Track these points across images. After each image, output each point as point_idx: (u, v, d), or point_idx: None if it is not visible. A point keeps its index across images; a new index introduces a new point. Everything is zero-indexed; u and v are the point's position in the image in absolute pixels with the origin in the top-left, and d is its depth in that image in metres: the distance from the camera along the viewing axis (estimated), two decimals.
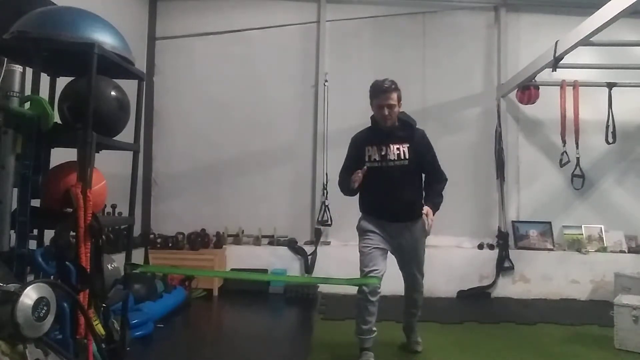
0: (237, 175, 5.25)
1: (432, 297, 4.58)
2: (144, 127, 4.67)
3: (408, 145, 2.88)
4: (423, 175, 3.01)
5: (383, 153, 2.87)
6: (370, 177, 2.84)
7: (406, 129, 2.95)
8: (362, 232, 2.97)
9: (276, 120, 5.29)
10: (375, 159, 2.88)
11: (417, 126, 3.01)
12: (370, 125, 3.02)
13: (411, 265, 3.01)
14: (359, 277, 2.87)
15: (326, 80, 5.20)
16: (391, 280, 3.01)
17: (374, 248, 2.87)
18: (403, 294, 3.15)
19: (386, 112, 2.83)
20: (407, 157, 2.86)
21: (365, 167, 2.84)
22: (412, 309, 3.12)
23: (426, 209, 2.80)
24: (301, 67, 5.35)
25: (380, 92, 2.85)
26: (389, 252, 2.93)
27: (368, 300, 2.76)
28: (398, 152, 2.86)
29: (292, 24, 5.33)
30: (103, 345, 2.02)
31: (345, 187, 2.96)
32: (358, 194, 3.00)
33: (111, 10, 3.17)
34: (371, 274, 2.79)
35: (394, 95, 2.85)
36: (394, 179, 2.87)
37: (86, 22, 2.18)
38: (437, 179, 2.99)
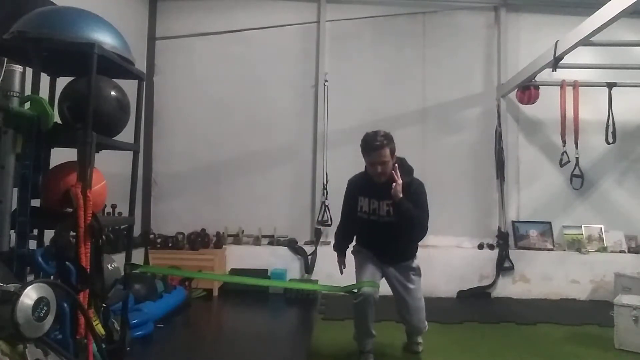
0: (237, 175, 5.26)
1: (432, 297, 4.57)
2: (144, 127, 4.68)
3: None
4: None
5: (374, 207, 2.88)
6: (362, 224, 2.94)
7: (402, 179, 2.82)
8: (357, 253, 3.07)
9: (276, 120, 5.29)
10: (365, 211, 2.91)
11: (414, 177, 2.91)
12: (365, 171, 2.94)
13: (409, 307, 2.95)
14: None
15: (326, 80, 5.20)
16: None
17: (370, 263, 2.94)
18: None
19: (379, 169, 2.75)
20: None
21: (342, 267, 3.11)
22: (416, 339, 3.13)
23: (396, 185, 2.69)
24: (301, 67, 5.34)
25: (372, 150, 2.73)
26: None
27: (365, 304, 2.73)
28: (387, 208, 2.83)
29: (292, 24, 5.33)
30: (103, 345, 2.02)
31: (337, 247, 3.20)
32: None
33: (111, 10, 3.18)
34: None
35: (386, 152, 2.72)
36: (384, 232, 2.89)
37: (86, 22, 2.18)
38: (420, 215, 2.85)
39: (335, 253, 3.22)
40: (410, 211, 2.74)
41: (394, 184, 2.69)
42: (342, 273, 3.11)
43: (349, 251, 3.17)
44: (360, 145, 2.82)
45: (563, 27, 4.03)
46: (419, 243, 3.06)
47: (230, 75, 5.29)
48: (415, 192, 2.82)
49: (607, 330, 3.41)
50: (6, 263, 1.80)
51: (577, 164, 4.75)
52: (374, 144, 2.72)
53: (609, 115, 4.78)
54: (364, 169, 2.95)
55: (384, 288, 2.93)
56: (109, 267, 2.29)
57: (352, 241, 3.19)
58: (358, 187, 2.95)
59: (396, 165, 2.75)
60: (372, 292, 2.73)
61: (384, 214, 2.85)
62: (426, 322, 3.07)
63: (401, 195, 2.70)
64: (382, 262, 2.99)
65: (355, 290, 2.78)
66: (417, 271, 3.02)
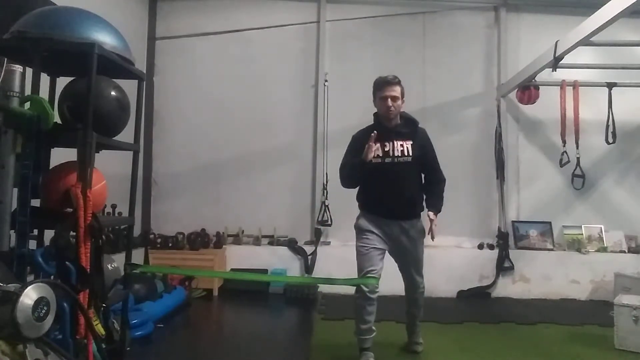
0: (237, 175, 5.25)
1: (432, 297, 4.57)
2: (144, 127, 4.67)
3: (412, 142, 2.89)
4: (423, 175, 3.01)
5: (387, 149, 2.86)
6: (371, 173, 2.84)
7: (409, 127, 2.95)
8: (359, 231, 2.95)
9: (276, 120, 5.29)
10: (378, 154, 2.85)
11: (419, 125, 3.02)
12: (372, 123, 3.00)
13: (410, 268, 3.00)
14: (356, 277, 2.87)
15: (326, 80, 5.20)
16: (391, 280, 3.01)
17: (372, 248, 2.86)
18: (404, 294, 3.14)
19: (390, 103, 2.83)
20: (410, 154, 2.86)
21: (374, 132, 2.77)
22: (413, 309, 3.11)
23: (431, 214, 2.85)
24: (301, 67, 5.34)
25: (385, 83, 2.86)
26: (387, 251, 2.93)
27: (366, 299, 2.76)
28: (402, 148, 2.86)
29: (292, 24, 5.33)
30: (103, 345, 2.02)
31: (348, 172, 2.91)
32: (357, 190, 3.00)
33: (111, 10, 3.18)
34: (369, 274, 2.78)
35: (398, 89, 2.86)
36: (396, 175, 2.86)
37: (86, 22, 2.18)
38: (437, 179, 3.01)
39: (350, 173, 2.92)
40: (441, 198, 2.97)
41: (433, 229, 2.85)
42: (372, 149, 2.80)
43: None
44: (373, 85, 2.94)
45: (563, 27, 4.02)
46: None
47: (230, 75, 5.29)
48: (424, 138, 2.99)
49: (607, 330, 3.41)
50: (6, 263, 1.80)
51: (578, 163, 4.75)
52: (387, 79, 2.87)
53: (609, 115, 4.79)
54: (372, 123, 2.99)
55: (385, 287, 2.92)
56: (109, 267, 2.29)
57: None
58: (368, 135, 2.84)
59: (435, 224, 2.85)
60: (374, 286, 2.74)
61: (398, 154, 2.85)
62: (424, 283, 3.10)
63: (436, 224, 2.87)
64: (390, 218, 2.88)
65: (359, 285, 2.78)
66: (423, 232, 2.97)
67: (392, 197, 2.87)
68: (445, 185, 3.01)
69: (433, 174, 3.00)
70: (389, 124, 2.90)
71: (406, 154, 2.86)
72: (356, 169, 2.85)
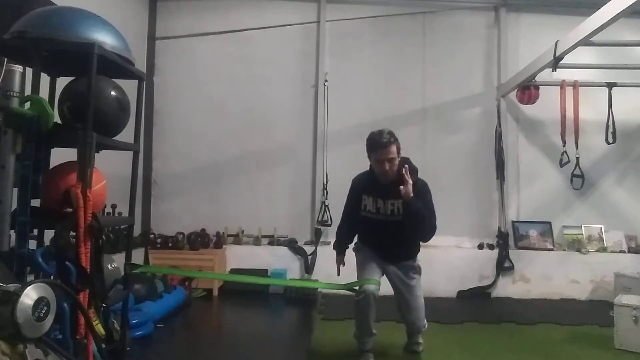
0: (237, 175, 5.26)
1: (432, 297, 4.57)
2: (144, 127, 4.68)
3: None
4: None
5: (378, 206, 2.88)
6: (366, 223, 2.94)
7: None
8: (359, 251, 3.06)
9: (276, 121, 5.29)
10: (370, 210, 2.91)
11: (418, 175, 2.91)
12: (370, 171, 2.96)
13: (409, 305, 2.96)
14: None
15: (326, 80, 5.20)
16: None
17: (371, 261, 2.94)
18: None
19: (386, 166, 2.75)
20: (400, 213, 2.82)
21: (341, 265, 3.10)
22: (416, 339, 3.12)
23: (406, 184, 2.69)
24: (301, 67, 5.34)
25: (379, 147, 2.74)
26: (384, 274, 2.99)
27: (366, 302, 2.75)
28: (392, 208, 2.84)
29: (292, 24, 5.33)
30: (103, 345, 2.02)
31: (337, 242, 3.19)
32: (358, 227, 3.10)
33: (111, 10, 3.17)
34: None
35: (393, 149, 2.74)
36: (386, 232, 2.90)
37: (86, 22, 2.18)
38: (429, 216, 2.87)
39: (335, 252, 3.21)
40: (421, 211, 2.75)
41: (402, 186, 2.68)
42: (339, 274, 3.10)
43: (349, 250, 3.17)
44: (367, 144, 2.82)
45: (563, 27, 4.02)
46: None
47: (230, 75, 5.29)
48: (421, 192, 2.81)
49: (607, 330, 3.41)
50: (6, 263, 1.80)
51: (577, 164, 4.74)
52: (382, 141, 2.73)
53: (609, 115, 4.78)
54: (368, 169, 2.96)
55: (385, 288, 2.93)
56: (109, 267, 2.29)
57: (352, 241, 3.20)
58: (363, 186, 2.95)
59: (406, 166, 2.72)
60: (373, 290, 2.74)
61: (388, 213, 2.85)
62: (425, 321, 3.08)
63: (412, 195, 2.69)
64: (384, 260, 2.98)
65: (357, 288, 2.79)
66: (418, 270, 3.02)
67: (385, 246, 2.95)
68: (433, 219, 2.86)
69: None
70: (384, 180, 2.83)
71: (396, 213, 2.83)
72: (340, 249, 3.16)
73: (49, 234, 2.19)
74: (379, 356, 2.90)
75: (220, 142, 5.26)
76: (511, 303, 4.67)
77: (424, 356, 3.07)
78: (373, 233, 2.97)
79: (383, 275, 2.99)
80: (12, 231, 1.94)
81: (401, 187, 2.68)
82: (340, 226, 3.23)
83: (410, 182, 2.69)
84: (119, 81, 2.36)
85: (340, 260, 3.15)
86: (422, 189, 2.83)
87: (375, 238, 2.98)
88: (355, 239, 3.18)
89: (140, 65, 4.51)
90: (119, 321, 2.40)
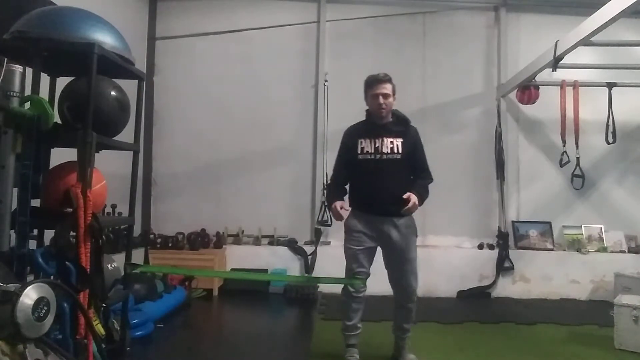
0: (237, 175, 5.25)
1: (432, 297, 4.58)
2: (144, 127, 4.67)
3: (402, 140, 2.88)
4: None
5: (376, 146, 2.86)
6: (361, 169, 2.87)
7: (401, 125, 2.95)
8: (349, 231, 2.92)
9: (276, 120, 5.29)
10: (368, 151, 2.87)
11: (411, 124, 3.00)
12: (364, 119, 3.01)
13: (402, 267, 2.88)
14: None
15: (326, 80, 5.20)
16: (386, 279, 2.97)
17: (360, 249, 2.85)
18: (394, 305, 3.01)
19: (381, 100, 2.83)
20: (400, 151, 2.85)
21: (349, 209, 2.90)
22: (402, 323, 2.95)
23: (409, 194, 2.73)
24: (301, 67, 5.34)
25: (376, 81, 2.87)
26: (377, 248, 2.90)
27: (352, 297, 2.83)
28: (392, 145, 2.85)
29: (292, 24, 5.33)
30: (103, 345, 2.03)
31: (328, 194, 3.14)
32: (349, 189, 2.99)
33: (111, 10, 3.17)
34: (357, 276, 2.81)
35: (389, 86, 2.87)
36: (385, 172, 2.85)
37: (86, 22, 2.18)
38: (425, 177, 2.97)
39: (332, 212, 2.94)
40: (426, 190, 2.90)
41: (409, 204, 2.71)
42: (343, 217, 2.88)
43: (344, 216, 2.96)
44: (364, 84, 2.93)
45: (563, 27, 4.03)
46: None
47: (230, 75, 5.29)
48: (415, 137, 2.96)
49: (607, 330, 3.41)
50: (6, 263, 1.80)
51: (577, 163, 4.74)
52: (379, 76, 2.88)
53: (609, 115, 4.78)
54: (363, 119, 3.00)
55: (385, 288, 2.92)
56: (109, 267, 2.30)
57: (346, 192, 3.01)
58: (358, 131, 2.94)
59: (416, 203, 2.74)
60: (360, 288, 2.80)
61: (387, 151, 2.85)
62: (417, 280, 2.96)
63: (417, 204, 2.75)
64: (383, 215, 2.84)
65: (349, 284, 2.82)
66: (415, 229, 2.93)
67: (382, 193, 2.84)
68: (430, 183, 2.97)
69: (421, 172, 2.96)
70: (380, 121, 2.90)
71: (395, 151, 2.85)
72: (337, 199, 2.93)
73: (49, 234, 2.19)
74: (377, 358, 2.88)
75: (220, 142, 5.26)
76: (511, 303, 4.67)
77: (424, 356, 3.07)
78: (370, 179, 2.85)
79: (376, 251, 2.90)
80: (12, 231, 1.94)
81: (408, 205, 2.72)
82: (332, 179, 3.09)
83: (416, 201, 2.74)
84: (119, 81, 2.36)
85: (340, 205, 2.86)
86: (415, 136, 2.96)
87: (372, 185, 2.85)
88: (349, 205, 2.99)
89: (140, 65, 4.50)
90: (119, 321, 2.40)
